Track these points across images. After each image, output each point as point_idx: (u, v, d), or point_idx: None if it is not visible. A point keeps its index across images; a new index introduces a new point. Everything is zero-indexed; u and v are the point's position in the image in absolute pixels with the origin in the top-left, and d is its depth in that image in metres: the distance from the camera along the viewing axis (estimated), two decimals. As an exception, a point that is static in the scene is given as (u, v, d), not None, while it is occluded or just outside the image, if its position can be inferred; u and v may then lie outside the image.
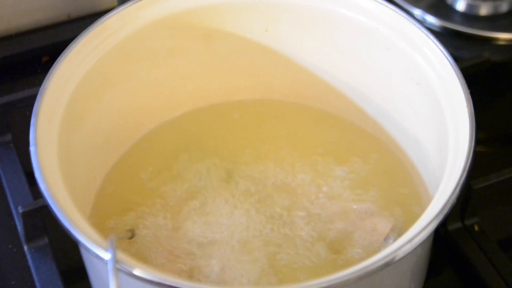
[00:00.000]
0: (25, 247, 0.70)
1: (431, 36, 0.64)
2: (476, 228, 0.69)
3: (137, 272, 0.50)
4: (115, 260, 0.50)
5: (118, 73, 0.68)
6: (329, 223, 0.65)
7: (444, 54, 0.63)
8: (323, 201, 0.66)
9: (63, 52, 0.63)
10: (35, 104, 0.60)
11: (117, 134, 0.70)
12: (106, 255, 0.51)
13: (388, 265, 0.50)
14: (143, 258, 0.63)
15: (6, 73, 0.87)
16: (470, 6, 0.89)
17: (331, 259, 0.62)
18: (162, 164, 0.70)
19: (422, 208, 0.56)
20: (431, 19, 0.88)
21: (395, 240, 0.59)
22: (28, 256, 0.69)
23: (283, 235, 0.64)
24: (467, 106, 0.59)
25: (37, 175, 0.55)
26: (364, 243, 0.63)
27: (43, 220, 0.69)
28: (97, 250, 0.51)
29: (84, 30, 0.65)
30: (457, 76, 0.61)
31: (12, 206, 0.73)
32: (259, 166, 0.70)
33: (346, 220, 0.65)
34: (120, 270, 0.50)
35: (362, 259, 0.56)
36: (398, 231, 0.63)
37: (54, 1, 0.92)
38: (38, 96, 0.60)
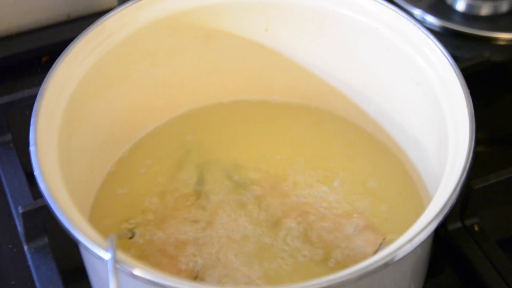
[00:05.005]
0: (25, 247, 0.70)
1: (431, 36, 0.64)
2: (476, 228, 0.69)
3: (137, 272, 0.50)
4: (115, 260, 0.50)
5: (118, 73, 0.68)
6: (322, 230, 0.65)
7: (444, 54, 0.63)
8: (320, 203, 0.66)
9: (63, 52, 0.63)
10: (35, 104, 0.60)
11: (117, 134, 0.70)
12: (106, 255, 0.51)
13: (388, 265, 0.50)
14: (143, 258, 0.63)
15: (6, 73, 0.87)
16: (470, 6, 0.89)
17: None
18: (162, 164, 0.70)
19: (422, 208, 0.56)
20: (431, 19, 0.88)
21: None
22: (28, 256, 0.69)
23: (279, 238, 0.64)
24: (467, 106, 0.59)
25: (37, 175, 0.55)
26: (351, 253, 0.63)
27: (43, 220, 0.69)
28: (97, 250, 0.51)
29: (84, 30, 0.65)
30: (457, 76, 0.61)
31: (12, 206, 0.73)
32: (258, 167, 0.70)
33: (338, 230, 0.65)
34: (120, 270, 0.50)
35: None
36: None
37: (54, 1, 0.92)
38: (38, 96, 0.60)
